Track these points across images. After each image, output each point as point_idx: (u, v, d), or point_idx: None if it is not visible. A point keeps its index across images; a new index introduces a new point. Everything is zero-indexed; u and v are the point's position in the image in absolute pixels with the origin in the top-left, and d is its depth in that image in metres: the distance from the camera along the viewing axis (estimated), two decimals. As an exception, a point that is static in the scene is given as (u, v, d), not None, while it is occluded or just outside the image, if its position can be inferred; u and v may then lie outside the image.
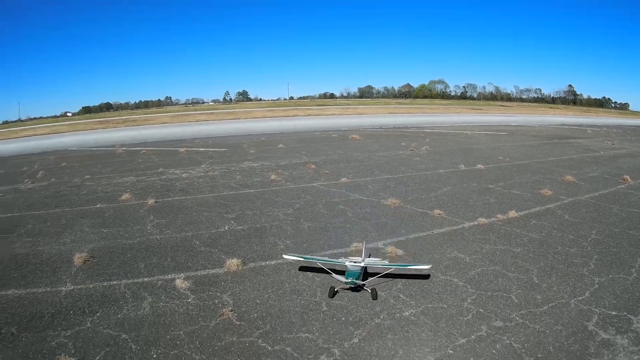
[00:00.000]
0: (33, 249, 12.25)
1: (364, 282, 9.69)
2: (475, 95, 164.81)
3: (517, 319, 8.09)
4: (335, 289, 9.52)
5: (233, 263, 10.76)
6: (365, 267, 10.18)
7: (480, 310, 8.45)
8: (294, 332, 7.99)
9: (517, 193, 16.86)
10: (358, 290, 9.53)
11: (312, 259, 10.78)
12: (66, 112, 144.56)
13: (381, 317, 8.42)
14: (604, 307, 8.51)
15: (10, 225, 14.60)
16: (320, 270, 10.30)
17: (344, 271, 9.74)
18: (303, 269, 10.67)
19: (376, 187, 18.55)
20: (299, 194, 17.70)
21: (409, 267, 10.38)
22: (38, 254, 11.85)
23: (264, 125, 58.08)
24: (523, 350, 7.11)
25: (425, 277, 10.09)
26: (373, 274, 10.09)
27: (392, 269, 10.07)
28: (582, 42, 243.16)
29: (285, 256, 10.88)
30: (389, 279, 10.05)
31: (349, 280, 9.28)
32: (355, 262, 10.10)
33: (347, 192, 17.87)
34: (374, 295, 9.25)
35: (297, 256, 10.85)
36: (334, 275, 9.57)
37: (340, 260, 10.56)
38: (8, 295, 9.55)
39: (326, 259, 10.82)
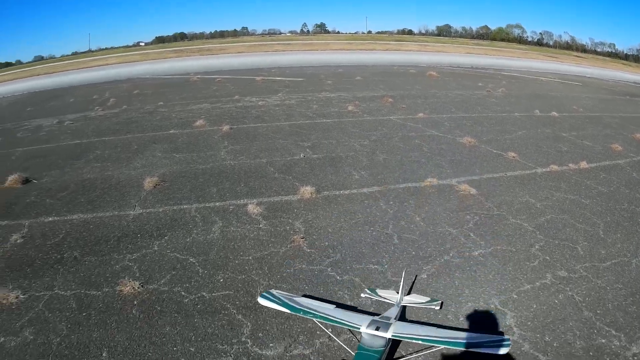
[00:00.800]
0: (101, 174, 12.18)
1: None
2: (551, 43, 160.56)
3: (581, 271, 7.63)
4: None
5: (307, 190, 10.44)
6: (393, 339, 5.21)
7: (547, 258, 8.01)
8: (363, 263, 7.73)
9: (588, 144, 15.95)
10: None
11: (303, 310, 5.68)
12: (139, 42, 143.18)
13: (450, 254, 8.05)
14: (663, 271, 7.95)
15: (79, 152, 14.58)
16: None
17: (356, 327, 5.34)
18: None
19: (452, 125, 17.86)
20: (376, 126, 17.16)
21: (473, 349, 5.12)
22: (106, 179, 11.77)
23: (341, 57, 57.01)
24: (584, 304, 6.68)
25: (498, 219, 9.55)
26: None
27: (442, 347, 5.34)
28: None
29: (260, 301, 5.96)
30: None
31: None
32: (376, 329, 5.18)
33: (423, 127, 17.24)
34: None
35: (278, 302, 5.85)
36: None
37: (352, 316, 5.65)
38: (73, 219, 9.45)
39: (329, 307, 5.92)
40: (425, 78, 33.69)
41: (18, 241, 8.57)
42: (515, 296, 6.86)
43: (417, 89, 27.56)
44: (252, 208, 9.62)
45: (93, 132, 17.39)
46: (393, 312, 5.85)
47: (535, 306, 6.63)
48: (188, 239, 8.47)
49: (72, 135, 17.01)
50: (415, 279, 7.34)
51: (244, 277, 7.24)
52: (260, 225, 8.99)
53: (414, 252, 8.08)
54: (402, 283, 6.59)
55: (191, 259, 7.78)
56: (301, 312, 5.65)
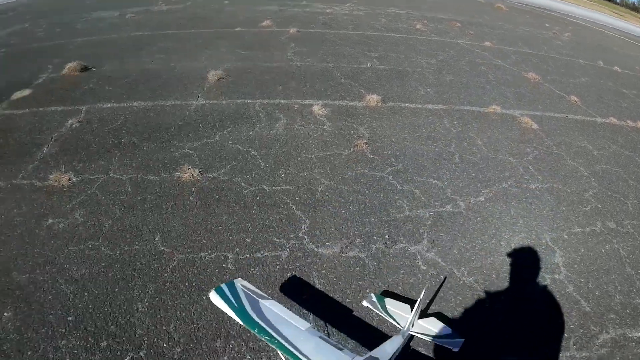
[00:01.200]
0: (164, 65, 11.94)
1: None
2: (618, 1, 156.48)
3: (629, 227, 7.40)
4: None
5: (373, 99, 10.17)
6: None
7: (599, 206, 7.82)
8: (424, 176, 7.62)
9: (649, 107, 15.39)
10: None
11: (259, 326, 3.70)
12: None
13: (509, 182, 7.95)
14: None
15: (141, 43, 14.28)
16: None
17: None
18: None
19: (518, 59, 17.22)
20: (443, 47, 16.67)
21: None
22: (169, 70, 11.56)
23: (410, -25, 56.21)
24: (627, 260, 6.54)
25: (556, 157, 9.34)
26: None
27: None
28: None
29: (212, 296, 3.98)
30: None
31: None
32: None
33: (490, 56, 16.70)
34: None
35: (233, 305, 3.90)
36: None
37: (324, 353, 3.46)
38: (133, 106, 9.32)
39: (299, 326, 3.74)
40: (493, 9, 32.78)
41: (74, 126, 8.43)
42: (566, 236, 6.80)
43: (485, 18, 26.79)
44: (317, 109, 9.43)
45: (156, 25, 17.05)
46: (391, 347, 3.81)
47: (583, 250, 6.59)
48: (251, 132, 8.36)
49: (135, 28, 16.65)
50: (438, 290, 5.30)
51: (305, 175, 7.15)
52: (325, 127, 8.83)
53: (474, 174, 7.99)
54: (418, 301, 4.53)
55: (253, 152, 7.70)
56: (256, 330, 3.69)
